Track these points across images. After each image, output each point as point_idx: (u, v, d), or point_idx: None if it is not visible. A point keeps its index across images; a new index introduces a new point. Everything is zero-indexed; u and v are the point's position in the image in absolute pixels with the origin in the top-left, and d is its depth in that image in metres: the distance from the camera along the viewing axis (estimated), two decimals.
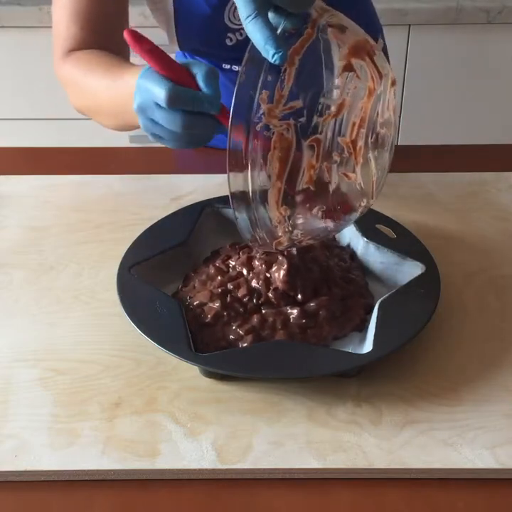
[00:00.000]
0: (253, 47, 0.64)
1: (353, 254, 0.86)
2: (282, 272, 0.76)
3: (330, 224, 0.71)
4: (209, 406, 0.69)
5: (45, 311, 0.81)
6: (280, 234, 0.69)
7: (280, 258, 0.77)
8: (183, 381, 0.72)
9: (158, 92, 0.70)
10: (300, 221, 0.69)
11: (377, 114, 0.68)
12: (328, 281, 0.78)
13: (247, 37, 0.99)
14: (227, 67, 1.06)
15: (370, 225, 0.86)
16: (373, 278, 0.83)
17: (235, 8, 0.95)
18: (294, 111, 0.64)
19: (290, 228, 0.69)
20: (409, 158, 1.07)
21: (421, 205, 0.97)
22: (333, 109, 0.65)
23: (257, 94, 0.62)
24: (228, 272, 0.80)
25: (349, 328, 0.76)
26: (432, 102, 1.89)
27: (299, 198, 0.68)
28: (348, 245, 0.87)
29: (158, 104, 0.71)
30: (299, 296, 0.76)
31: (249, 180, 0.65)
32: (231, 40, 0.99)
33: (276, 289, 0.76)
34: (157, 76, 0.70)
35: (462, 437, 0.66)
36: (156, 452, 0.65)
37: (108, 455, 0.65)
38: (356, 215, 0.73)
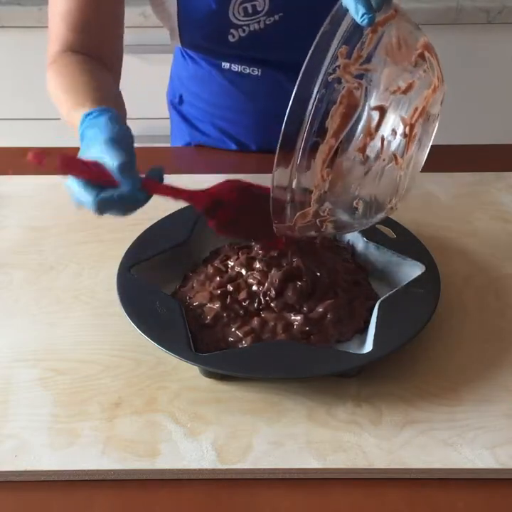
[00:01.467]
0: (341, 6, 0.65)
1: (353, 254, 0.86)
2: (279, 277, 0.76)
3: (359, 211, 0.71)
4: (209, 406, 0.69)
5: (45, 311, 0.81)
6: (311, 203, 0.69)
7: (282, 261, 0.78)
8: (183, 381, 0.72)
9: (85, 201, 0.70)
10: (334, 195, 0.70)
11: (429, 115, 0.69)
12: (335, 284, 0.78)
13: (250, 33, 0.99)
14: (227, 66, 1.06)
15: None
16: (373, 278, 0.83)
17: (240, 3, 0.95)
18: (366, 75, 0.66)
19: (323, 197, 0.69)
20: None
21: (421, 205, 0.97)
22: (403, 85, 0.66)
23: (336, 46, 0.64)
24: (227, 272, 0.80)
25: (353, 331, 0.76)
26: None
27: (344, 165, 0.68)
28: (348, 244, 0.87)
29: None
30: (295, 303, 0.76)
31: (306, 128, 0.65)
32: (234, 36, 0.99)
33: (276, 296, 0.76)
34: (79, 188, 0.70)
35: (462, 437, 0.66)
36: (156, 452, 0.65)
37: (108, 455, 0.65)
38: (383, 214, 0.73)
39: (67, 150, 1.13)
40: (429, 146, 0.72)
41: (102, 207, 0.69)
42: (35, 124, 1.91)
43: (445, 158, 1.09)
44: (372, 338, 0.71)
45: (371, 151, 0.68)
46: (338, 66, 0.65)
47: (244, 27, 0.98)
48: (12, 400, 0.70)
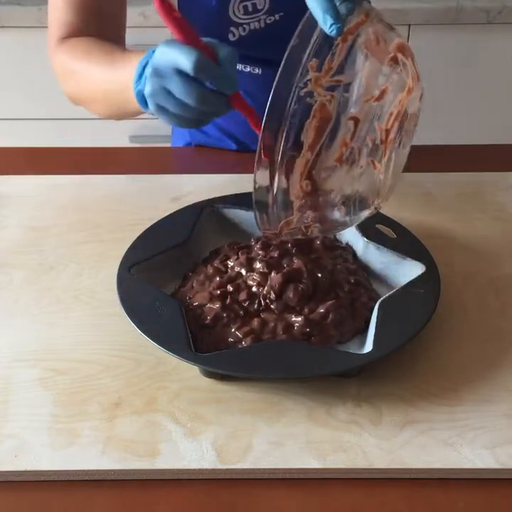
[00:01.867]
0: (309, 17, 0.65)
1: (353, 254, 0.86)
2: (279, 281, 0.76)
3: (342, 213, 0.71)
4: (209, 406, 0.69)
5: (45, 311, 0.81)
6: (293, 212, 0.70)
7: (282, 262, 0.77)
8: (183, 381, 0.72)
9: (185, 58, 0.70)
10: (314, 203, 0.70)
11: (407, 115, 0.69)
12: (336, 285, 0.78)
13: (250, 32, 0.99)
14: None
15: (370, 225, 0.85)
16: (373, 278, 0.83)
17: (240, 2, 0.95)
18: (338, 86, 0.66)
19: (305, 206, 0.69)
20: (409, 158, 1.07)
21: (421, 205, 0.97)
22: (376, 92, 0.66)
23: (305, 59, 0.65)
24: (226, 272, 0.80)
25: (353, 331, 0.76)
26: (431, 102, 1.89)
27: (323, 175, 0.68)
28: (348, 245, 0.87)
29: (178, 72, 0.72)
30: (295, 306, 0.75)
31: (282, 143, 0.65)
32: (234, 35, 0.99)
33: (276, 298, 0.76)
34: (183, 45, 0.72)
35: (462, 437, 0.66)
36: (156, 452, 0.65)
37: (108, 455, 0.65)
38: (366, 213, 0.73)
39: (66, 150, 1.13)
40: (410, 144, 0.72)
41: (202, 67, 0.71)
42: (35, 124, 1.91)
43: (445, 158, 1.10)
44: (372, 338, 0.71)
45: (347, 160, 0.68)
46: (310, 80, 0.65)
47: (245, 25, 0.98)
48: (12, 400, 0.70)
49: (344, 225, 0.76)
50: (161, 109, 0.76)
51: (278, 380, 0.71)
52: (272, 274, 0.77)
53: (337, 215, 0.72)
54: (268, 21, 0.98)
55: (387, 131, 0.68)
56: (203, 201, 0.89)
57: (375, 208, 0.73)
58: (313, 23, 0.65)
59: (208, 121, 0.79)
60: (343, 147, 0.68)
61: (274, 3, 0.97)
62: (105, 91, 0.88)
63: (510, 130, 1.84)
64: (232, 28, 0.98)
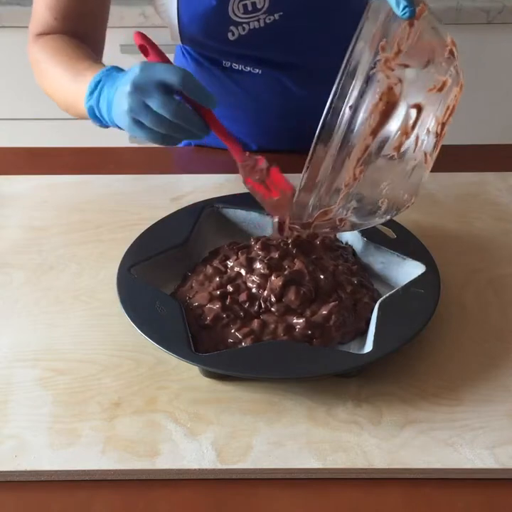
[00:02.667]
0: (373, 6, 0.64)
1: (354, 253, 0.86)
2: (280, 284, 0.76)
3: (381, 210, 0.70)
4: (209, 406, 0.69)
5: (45, 311, 0.81)
6: (338, 200, 0.68)
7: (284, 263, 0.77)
8: (183, 381, 0.72)
9: (173, 73, 0.75)
10: (362, 193, 0.68)
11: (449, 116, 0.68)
12: (338, 286, 0.78)
13: (249, 31, 0.99)
14: (228, 64, 1.06)
15: None
16: (373, 278, 0.83)
17: (240, 0, 0.95)
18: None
19: (351, 196, 0.68)
20: None
21: (421, 205, 0.96)
22: (439, 81, 0.65)
23: (377, 41, 0.62)
24: (226, 272, 0.80)
25: (355, 332, 0.76)
26: None
27: (380, 163, 0.66)
28: (348, 245, 0.87)
29: (160, 87, 0.76)
30: (298, 309, 0.75)
31: (345, 124, 0.63)
32: (233, 34, 0.99)
33: (277, 301, 0.76)
34: (169, 64, 0.78)
35: (462, 437, 0.66)
36: (156, 452, 0.65)
37: (108, 455, 0.65)
38: (399, 212, 0.72)
39: (66, 150, 1.13)
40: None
41: (189, 82, 0.76)
42: (35, 124, 1.91)
43: (445, 158, 1.09)
44: (372, 338, 0.71)
45: (405, 150, 0.66)
46: (379, 60, 0.62)
47: (244, 25, 0.98)
48: (12, 400, 0.70)
49: (371, 223, 0.74)
50: (137, 123, 0.79)
51: (278, 380, 0.71)
52: (273, 276, 0.76)
53: (375, 211, 0.70)
54: (267, 21, 0.99)
55: (443, 125, 0.67)
56: (203, 201, 0.90)
57: (407, 207, 0.72)
58: (377, 4, 0.63)
59: (180, 140, 0.83)
60: (403, 136, 0.65)
61: (274, 2, 0.97)
62: (65, 97, 0.94)
63: (510, 130, 1.84)
64: (231, 27, 0.98)
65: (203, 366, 0.69)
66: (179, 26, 1.01)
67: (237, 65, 1.05)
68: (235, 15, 0.97)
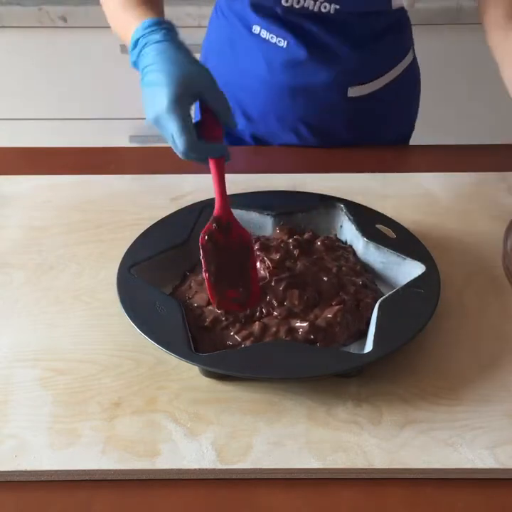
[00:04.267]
0: None
1: (354, 253, 0.85)
2: (282, 288, 0.76)
3: None
4: (209, 406, 0.69)
5: (45, 311, 0.80)
6: None
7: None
8: (183, 381, 0.72)
9: (179, 135, 0.75)
10: None
11: None
12: (341, 288, 0.78)
13: (302, 8, 0.98)
14: (257, 31, 1.05)
15: (370, 225, 0.86)
16: (373, 278, 0.83)
17: None
18: None
19: None
20: (410, 158, 1.07)
21: (421, 205, 0.97)
22: None
23: None
24: None
25: (358, 334, 0.75)
26: (431, 102, 1.88)
27: None
28: (348, 245, 0.87)
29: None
30: (301, 313, 0.75)
31: None
32: (287, 1, 0.98)
33: (279, 305, 0.75)
34: (181, 123, 0.75)
35: (462, 437, 0.66)
36: (156, 452, 0.65)
37: (108, 455, 0.65)
38: None
39: (66, 150, 1.13)
40: None
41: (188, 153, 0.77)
42: (35, 124, 1.91)
43: (445, 158, 1.09)
44: (372, 338, 0.71)
45: None
46: None
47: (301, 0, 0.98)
48: (12, 400, 0.70)
49: None
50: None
51: (278, 380, 0.71)
52: (273, 281, 0.76)
53: None
54: (323, 9, 0.98)
55: None
56: (203, 201, 0.89)
57: None
58: None
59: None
60: None
61: None
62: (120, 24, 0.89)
63: (510, 130, 1.83)
64: None
65: (203, 366, 0.69)
66: None
67: (265, 33, 1.04)
68: None
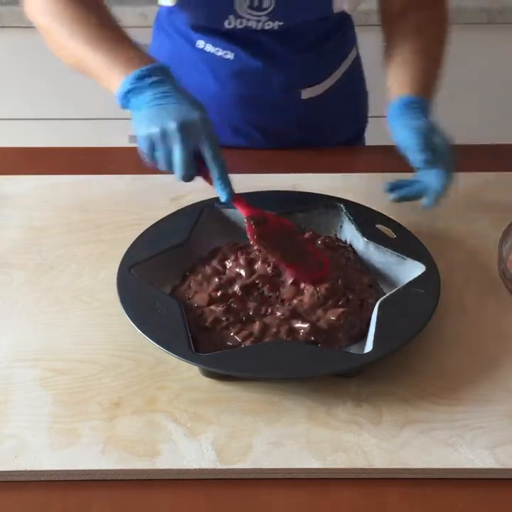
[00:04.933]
0: None
1: (354, 252, 0.85)
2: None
3: None
4: (209, 406, 0.69)
5: (45, 311, 0.81)
6: None
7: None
8: (183, 381, 0.72)
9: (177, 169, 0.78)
10: None
11: None
12: (348, 289, 0.77)
13: (245, 28, 0.98)
14: (201, 45, 1.04)
15: (370, 225, 0.86)
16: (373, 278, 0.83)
17: (249, 0, 0.95)
18: None
19: None
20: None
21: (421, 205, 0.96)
22: None
23: None
24: (225, 272, 0.80)
25: (360, 335, 0.75)
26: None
27: None
28: (348, 244, 0.87)
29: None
30: (304, 314, 0.75)
31: None
32: (230, 23, 0.98)
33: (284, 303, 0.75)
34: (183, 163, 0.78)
35: (462, 437, 0.66)
36: (156, 452, 0.65)
37: (108, 455, 0.65)
38: None
39: (66, 150, 1.13)
40: None
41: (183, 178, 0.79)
42: (35, 124, 1.91)
43: None
44: (372, 338, 0.71)
45: None
46: None
47: (243, 20, 0.98)
48: (12, 400, 0.70)
49: None
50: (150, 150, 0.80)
51: (278, 380, 0.71)
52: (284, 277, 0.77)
53: None
54: (266, 27, 0.99)
55: None
56: (203, 201, 0.89)
57: None
58: None
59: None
60: None
61: (280, 9, 0.96)
62: (96, 72, 0.85)
63: (510, 130, 1.83)
64: (230, 17, 0.97)
65: (203, 366, 0.69)
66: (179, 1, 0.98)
67: (211, 47, 1.04)
68: (240, 7, 0.96)
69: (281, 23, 0.98)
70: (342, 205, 0.88)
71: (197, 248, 0.85)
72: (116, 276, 0.78)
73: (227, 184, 0.79)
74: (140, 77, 0.79)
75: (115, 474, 0.64)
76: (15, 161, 1.09)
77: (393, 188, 0.92)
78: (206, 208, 0.88)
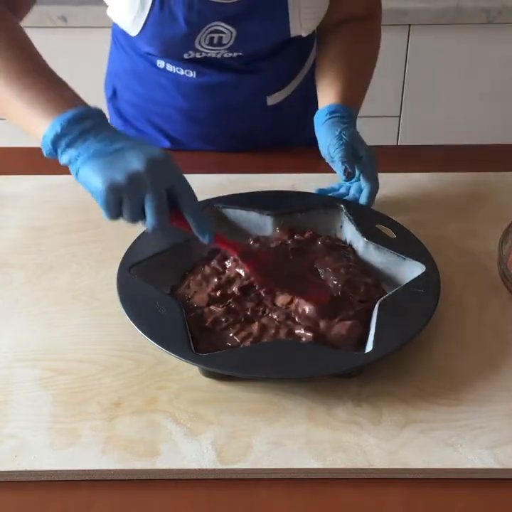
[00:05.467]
0: None
1: (354, 252, 0.85)
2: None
3: None
4: (209, 406, 0.69)
5: (45, 311, 0.80)
6: None
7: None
8: (183, 381, 0.72)
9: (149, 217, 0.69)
10: None
11: None
12: (351, 289, 0.77)
13: (205, 58, 0.98)
14: (162, 65, 1.04)
15: (370, 225, 0.85)
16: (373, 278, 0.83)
17: (209, 32, 0.95)
18: None
19: None
20: (410, 158, 1.07)
21: (421, 205, 0.97)
22: None
23: None
24: (224, 272, 0.80)
25: (362, 339, 0.74)
26: (431, 102, 1.88)
27: None
28: (348, 244, 0.87)
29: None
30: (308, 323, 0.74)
31: None
32: (189, 55, 0.99)
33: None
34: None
35: (462, 437, 0.66)
36: (156, 452, 0.65)
37: (108, 455, 0.65)
38: None
39: None
40: None
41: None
42: None
43: (445, 158, 1.09)
44: (373, 338, 0.71)
45: None
46: None
47: (203, 52, 0.98)
48: (12, 400, 0.70)
49: None
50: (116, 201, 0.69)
51: (278, 380, 0.71)
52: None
53: None
54: (225, 56, 0.99)
55: None
56: (203, 201, 0.89)
57: None
58: None
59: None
60: None
61: (239, 42, 0.97)
62: (21, 118, 0.73)
63: (510, 130, 1.83)
64: (190, 51, 0.98)
65: (203, 366, 0.69)
66: (142, 28, 0.95)
67: (172, 68, 1.04)
68: (200, 44, 0.96)
69: (240, 54, 1.00)
70: (342, 205, 0.88)
71: (197, 248, 0.85)
72: (116, 276, 0.78)
73: (206, 225, 0.72)
74: (73, 121, 0.68)
75: (115, 474, 0.64)
76: (15, 161, 1.09)
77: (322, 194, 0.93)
78: (206, 208, 0.88)
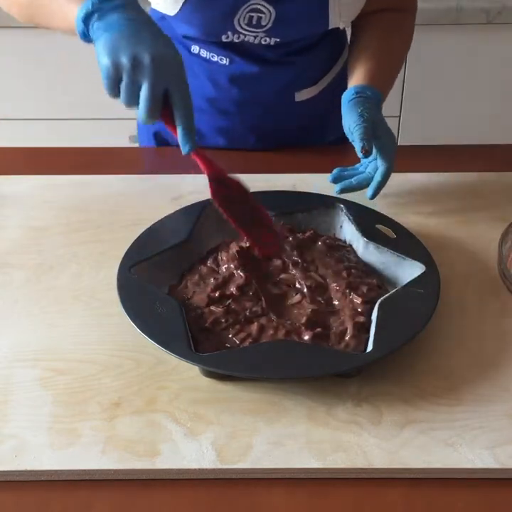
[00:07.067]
0: None
1: (354, 252, 0.85)
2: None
3: None
4: (209, 406, 0.69)
5: (45, 311, 0.80)
6: None
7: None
8: (183, 381, 0.72)
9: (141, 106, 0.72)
10: None
11: None
12: (353, 289, 0.77)
13: (242, 42, 0.98)
14: (196, 50, 1.04)
15: (370, 225, 0.86)
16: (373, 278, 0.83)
17: (248, 11, 0.95)
18: None
19: None
20: (409, 158, 1.07)
21: (421, 205, 0.97)
22: None
23: None
24: (219, 272, 0.80)
25: (362, 340, 0.75)
26: (431, 102, 1.88)
27: None
28: (348, 244, 0.87)
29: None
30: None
31: None
32: (228, 37, 0.99)
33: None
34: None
35: (462, 437, 0.66)
36: (156, 452, 0.65)
37: (108, 455, 0.65)
38: None
39: (66, 150, 1.13)
40: None
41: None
42: (35, 124, 1.91)
43: (445, 158, 1.09)
44: (373, 338, 0.71)
45: None
46: None
47: (241, 35, 0.98)
48: (12, 400, 0.70)
49: None
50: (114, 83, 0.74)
51: (278, 380, 0.71)
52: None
53: None
54: (263, 42, 0.99)
55: None
56: (203, 201, 0.89)
57: None
58: None
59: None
60: None
61: (277, 28, 0.97)
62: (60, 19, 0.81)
63: (510, 130, 1.83)
64: (229, 32, 0.98)
65: (203, 366, 0.69)
66: (178, 12, 0.97)
67: (206, 53, 1.04)
68: (239, 24, 0.97)
69: (277, 40, 1.00)
70: (342, 205, 0.88)
71: (197, 248, 0.85)
72: (116, 276, 0.78)
73: (191, 135, 0.75)
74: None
75: (115, 474, 0.64)
76: (15, 161, 1.09)
77: (337, 178, 0.94)
78: (206, 208, 0.88)
